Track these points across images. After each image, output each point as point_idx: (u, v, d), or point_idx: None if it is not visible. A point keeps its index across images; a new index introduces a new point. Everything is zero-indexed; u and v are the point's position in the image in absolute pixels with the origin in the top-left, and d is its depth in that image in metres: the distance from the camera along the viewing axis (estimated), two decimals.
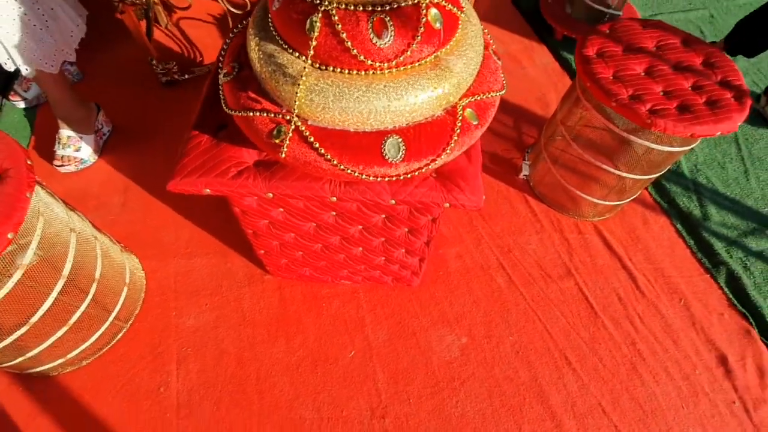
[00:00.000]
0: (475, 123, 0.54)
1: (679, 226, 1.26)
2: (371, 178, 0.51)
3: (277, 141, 0.50)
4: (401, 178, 0.52)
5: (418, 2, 0.44)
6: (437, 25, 0.46)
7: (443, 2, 0.46)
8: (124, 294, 0.99)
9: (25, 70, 1.03)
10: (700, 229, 1.24)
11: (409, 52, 0.46)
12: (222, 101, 0.56)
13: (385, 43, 0.45)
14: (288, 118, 0.50)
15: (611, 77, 0.93)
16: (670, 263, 1.19)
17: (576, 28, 1.69)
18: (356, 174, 0.50)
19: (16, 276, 0.71)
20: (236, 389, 0.96)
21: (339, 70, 0.47)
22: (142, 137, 1.35)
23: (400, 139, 0.50)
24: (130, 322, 1.03)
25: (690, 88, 0.92)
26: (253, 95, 0.52)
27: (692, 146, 0.98)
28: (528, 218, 1.25)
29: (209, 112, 0.66)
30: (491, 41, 0.63)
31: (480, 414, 0.96)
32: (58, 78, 1.13)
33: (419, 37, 0.45)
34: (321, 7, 0.44)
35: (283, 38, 0.49)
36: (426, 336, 1.04)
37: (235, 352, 1.00)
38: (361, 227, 0.78)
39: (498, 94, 0.57)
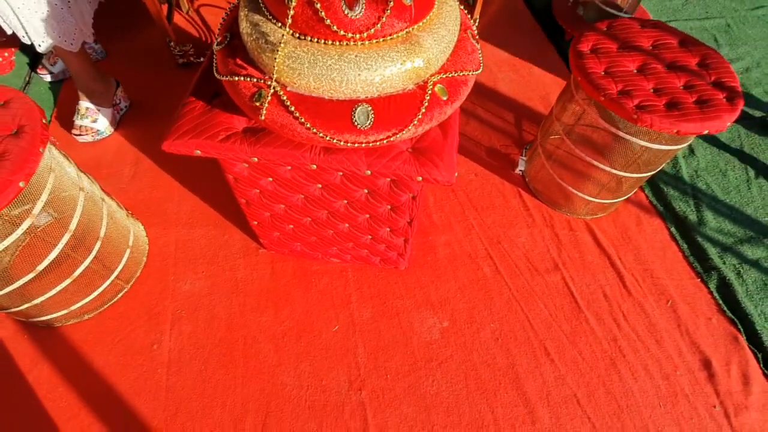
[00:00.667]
0: (445, 98, 0.57)
1: (673, 229, 1.25)
2: (341, 143, 0.55)
3: (257, 104, 0.55)
4: (370, 145, 0.56)
5: None
6: (408, 2, 0.50)
7: None
8: (126, 256, 1.05)
9: (38, 45, 1.10)
10: (695, 234, 1.24)
11: (379, 26, 0.50)
12: (214, 68, 0.61)
13: (357, 15, 0.48)
14: (268, 83, 0.55)
15: (602, 72, 0.95)
16: (661, 265, 1.19)
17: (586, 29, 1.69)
18: (327, 138, 0.54)
19: (26, 223, 0.77)
20: (224, 352, 1.01)
21: (315, 39, 0.51)
22: (155, 114, 1.42)
23: (369, 108, 0.54)
24: (131, 283, 1.09)
25: (681, 87, 0.93)
26: (240, 62, 0.57)
27: (683, 146, 0.98)
28: (520, 212, 1.27)
29: (206, 82, 0.71)
30: (471, 24, 0.66)
31: (454, 395, 0.98)
32: (79, 53, 1.21)
33: (388, 11, 0.49)
34: None
35: (267, 9, 0.53)
36: (408, 317, 1.07)
37: (225, 317, 1.05)
38: (345, 202, 0.82)
39: (472, 73, 0.60)
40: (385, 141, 0.56)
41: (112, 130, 1.37)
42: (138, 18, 1.66)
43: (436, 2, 0.55)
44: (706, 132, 0.87)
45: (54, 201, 0.82)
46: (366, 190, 0.77)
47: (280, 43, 0.51)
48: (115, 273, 1.03)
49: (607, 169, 1.07)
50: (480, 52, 0.65)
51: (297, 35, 0.52)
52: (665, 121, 0.86)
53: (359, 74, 0.51)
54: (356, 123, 0.54)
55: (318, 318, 1.06)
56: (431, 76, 0.56)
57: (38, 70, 1.48)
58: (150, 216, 1.21)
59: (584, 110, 1.03)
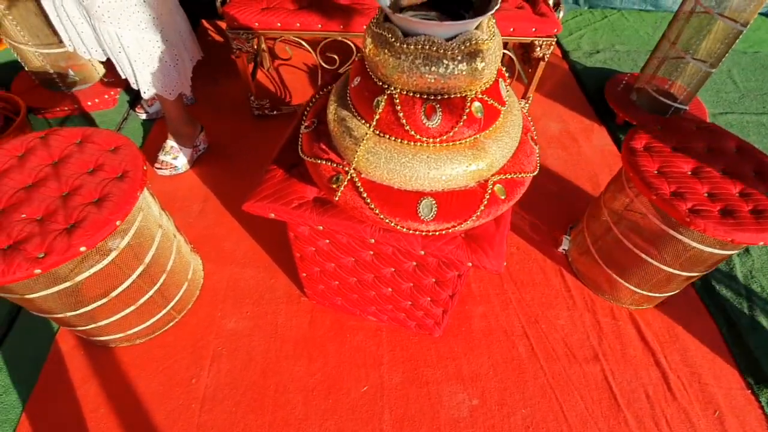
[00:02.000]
0: (503, 198, 0.62)
1: (724, 331, 1.19)
2: (404, 229, 0.61)
3: (334, 186, 0.62)
4: (430, 234, 0.61)
5: (465, 96, 0.55)
6: (479, 115, 0.56)
7: (487, 97, 0.56)
8: (183, 288, 1.14)
9: (143, 92, 1.28)
10: (747, 340, 1.17)
11: (451, 133, 0.56)
12: (299, 147, 0.70)
13: (434, 124, 0.55)
14: (347, 169, 0.62)
15: (655, 171, 0.97)
16: (709, 370, 1.13)
17: (638, 115, 1.73)
18: (392, 224, 0.60)
19: (111, 256, 0.87)
20: (255, 397, 1.04)
21: (393, 138, 0.58)
22: (228, 158, 1.57)
23: (433, 202, 0.60)
24: (182, 314, 1.17)
25: (737, 194, 0.93)
26: (323, 147, 0.65)
27: (736, 251, 0.97)
28: (561, 293, 1.26)
29: (287, 152, 0.80)
30: (531, 127, 0.72)
31: None
32: (175, 101, 1.39)
33: (461, 123, 0.56)
34: (387, 90, 0.56)
35: (355, 107, 0.61)
36: (438, 388, 1.07)
37: (261, 361, 1.10)
38: (393, 270, 0.87)
39: (529, 175, 0.65)
40: (443, 232, 0.61)
41: (188, 167, 1.52)
42: (225, 72, 1.88)
43: (502, 112, 0.61)
44: (761, 243, 0.86)
45: (137, 235, 0.93)
46: (414, 263, 0.82)
47: (362, 138, 0.59)
48: (171, 304, 1.11)
49: (656, 263, 1.06)
50: (538, 153, 0.70)
51: (378, 133, 0.59)
52: (719, 228, 0.86)
53: (428, 172, 0.57)
54: (420, 214, 0.59)
55: (348, 375, 1.08)
56: (492, 176, 0.62)
57: (136, 109, 1.70)
58: (209, 251, 1.31)
59: (634, 203, 1.04)
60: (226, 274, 1.26)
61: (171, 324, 1.15)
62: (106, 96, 1.74)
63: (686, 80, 1.60)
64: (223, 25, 2.10)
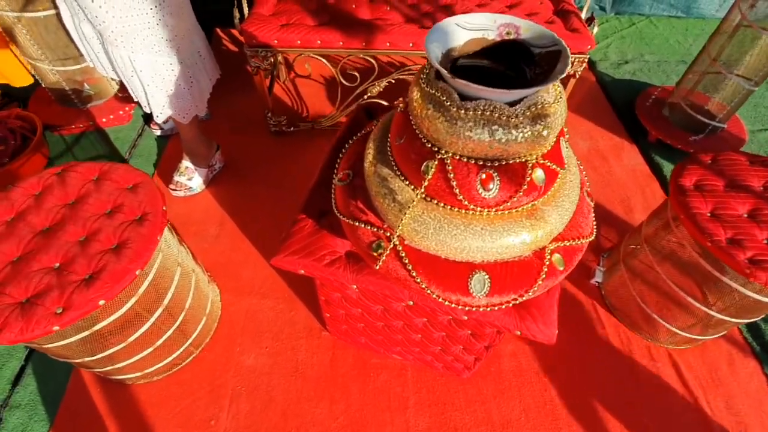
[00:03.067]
0: (561, 269, 0.56)
1: None
2: (453, 305, 0.55)
3: (375, 254, 0.57)
4: (480, 310, 0.56)
5: (525, 161, 0.49)
6: (540, 183, 0.51)
7: (548, 162, 0.50)
8: (202, 323, 1.10)
9: (156, 116, 1.23)
10: None
11: (509, 203, 0.51)
12: (333, 203, 0.64)
13: (490, 195, 0.50)
14: (389, 235, 0.57)
15: (708, 214, 0.90)
16: (756, 418, 1.06)
17: (672, 133, 1.64)
18: (440, 299, 0.55)
19: (131, 302, 0.83)
20: None
21: (443, 205, 0.53)
22: (246, 177, 1.53)
23: (486, 276, 0.54)
24: (200, 348, 1.13)
25: None
26: (361, 206, 0.60)
27: None
28: (594, 329, 1.20)
29: (316, 198, 0.75)
30: (586, 180, 0.65)
31: None
32: (190, 122, 1.34)
33: (521, 192, 0.50)
34: (438, 155, 0.50)
35: (398, 167, 0.56)
36: None
37: (282, 401, 1.05)
38: (426, 320, 0.81)
39: (587, 240, 0.59)
40: (496, 308, 0.55)
41: (204, 188, 1.48)
42: (241, 83, 1.83)
43: (560, 174, 0.55)
44: None
45: (156, 277, 0.89)
46: (450, 317, 0.76)
47: (408, 204, 0.53)
48: (190, 340, 1.07)
49: (704, 308, 1.00)
50: (593, 212, 0.64)
51: (426, 198, 0.54)
52: None
53: (482, 245, 0.52)
54: (472, 290, 0.54)
55: (373, 419, 1.03)
56: (549, 243, 0.56)
57: (151, 125, 1.66)
58: (226, 280, 1.27)
59: (681, 245, 0.97)
60: (245, 305, 1.22)
61: (189, 359, 1.11)
62: (121, 112, 1.70)
63: (726, 98, 1.51)
64: (237, 33, 2.05)
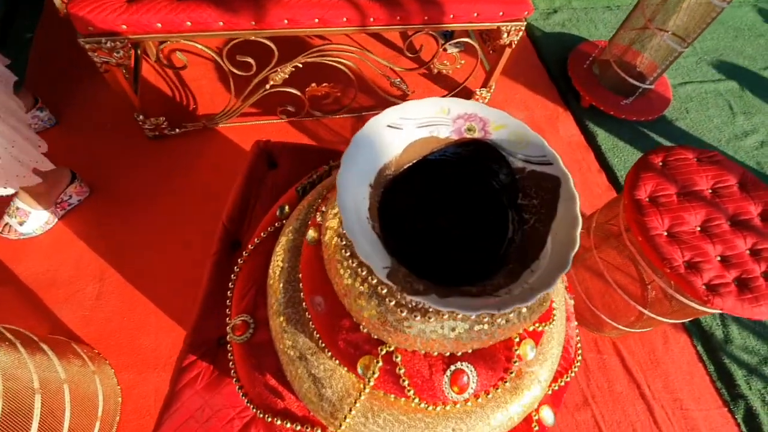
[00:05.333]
0: (551, 423, 0.44)
1: (699, 348, 1.19)
2: None
3: None
4: None
5: (509, 338, 0.33)
6: (531, 355, 0.35)
7: (538, 326, 0.35)
8: (96, 430, 0.86)
9: None
10: (721, 354, 1.19)
11: (490, 396, 0.35)
12: (232, 371, 0.43)
13: (463, 395, 0.33)
14: None
15: (665, 233, 0.83)
16: (689, 393, 1.13)
17: (604, 98, 1.57)
18: None
19: None
20: None
21: (401, 399, 0.35)
22: (123, 203, 1.19)
23: None
24: None
25: (748, 253, 0.83)
26: (273, 383, 0.40)
27: None
28: None
29: (209, 319, 0.53)
30: (570, 306, 0.50)
31: None
32: None
33: (507, 381, 0.34)
34: (382, 350, 0.31)
35: (323, 342, 0.36)
36: None
37: None
38: None
39: (575, 369, 0.47)
40: None
41: (47, 229, 1.12)
42: (97, 79, 1.38)
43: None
44: None
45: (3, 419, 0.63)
46: None
47: (344, 403, 0.35)
48: None
49: (649, 314, 0.98)
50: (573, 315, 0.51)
51: (374, 391, 0.35)
52: (738, 304, 0.77)
53: None
54: None
55: None
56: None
57: None
58: (121, 354, 1.01)
59: (632, 260, 0.92)
60: (152, 385, 0.99)
61: None
62: None
63: (659, 59, 1.44)
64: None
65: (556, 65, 1.69)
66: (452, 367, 0.32)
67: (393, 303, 0.27)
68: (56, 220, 1.14)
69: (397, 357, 0.32)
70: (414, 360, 0.32)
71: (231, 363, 0.44)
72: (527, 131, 0.31)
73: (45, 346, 0.80)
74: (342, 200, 0.25)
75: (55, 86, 1.34)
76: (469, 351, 0.32)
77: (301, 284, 0.36)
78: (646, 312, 0.99)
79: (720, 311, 0.77)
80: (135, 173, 1.23)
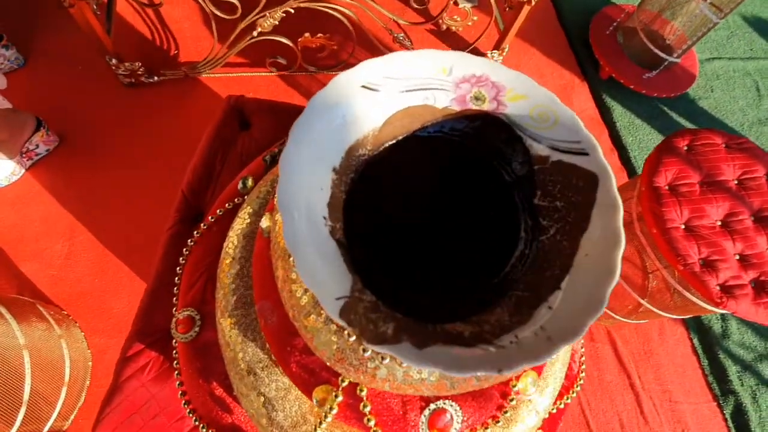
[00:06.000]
0: None
1: (696, 341, 1.15)
2: None
3: None
4: None
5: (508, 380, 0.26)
6: (531, 390, 0.28)
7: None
8: (62, 398, 0.82)
9: None
10: (717, 348, 1.15)
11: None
12: (178, 383, 0.36)
13: None
14: None
15: (683, 227, 0.76)
16: (680, 386, 1.11)
17: (625, 69, 1.44)
18: None
19: None
20: None
21: None
22: (95, 156, 1.10)
23: None
24: (71, 419, 0.88)
25: None
26: (219, 394, 0.33)
27: None
28: None
29: (160, 304, 0.46)
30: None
31: None
32: None
33: (500, 422, 0.27)
34: (342, 380, 0.25)
35: (276, 358, 0.29)
36: None
37: None
38: None
39: (576, 390, 0.40)
40: None
41: (13, 181, 1.04)
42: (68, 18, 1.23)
43: None
44: None
45: None
46: None
47: (296, 426, 0.29)
48: (50, 421, 0.81)
49: (651, 308, 0.92)
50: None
51: (332, 423, 0.29)
52: (752, 308, 0.71)
53: None
54: None
55: None
56: None
57: None
58: (91, 318, 0.96)
59: (641, 248, 0.85)
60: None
61: None
62: None
63: (690, 29, 1.30)
64: None
65: (577, 30, 1.54)
66: (432, 406, 0.26)
67: (354, 338, 0.20)
68: (23, 171, 1.05)
69: (361, 391, 0.25)
70: (384, 394, 0.25)
71: (175, 362, 0.37)
72: (557, 105, 0.23)
73: (2, 309, 0.74)
74: (285, 192, 0.17)
75: (25, 22, 1.20)
76: (454, 392, 0.25)
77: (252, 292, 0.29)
78: (644, 303, 0.93)
79: (731, 313, 0.71)
80: (109, 124, 1.13)
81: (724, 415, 1.09)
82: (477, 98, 0.22)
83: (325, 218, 0.19)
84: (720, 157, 0.82)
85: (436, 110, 0.23)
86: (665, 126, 1.45)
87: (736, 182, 0.81)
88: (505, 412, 0.27)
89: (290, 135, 0.19)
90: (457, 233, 0.25)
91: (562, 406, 0.40)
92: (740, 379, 1.12)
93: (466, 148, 0.24)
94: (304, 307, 0.22)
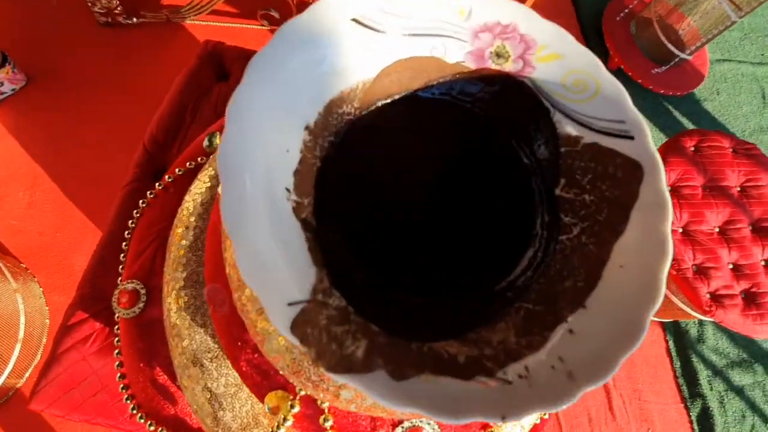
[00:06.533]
0: None
1: (671, 343, 1.16)
2: None
3: None
4: None
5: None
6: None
7: None
8: (15, 355, 0.77)
9: None
10: (690, 352, 1.16)
11: None
12: (117, 364, 0.31)
13: None
14: None
15: (681, 230, 0.73)
16: (650, 386, 1.12)
17: (635, 61, 1.39)
18: None
19: None
20: None
21: None
22: (64, 99, 1.01)
23: None
24: (26, 375, 0.83)
25: (763, 264, 0.74)
26: (162, 381, 0.29)
27: None
28: None
29: (110, 270, 0.40)
30: None
31: None
32: None
33: None
34: (299, 390, 0.20)
35: (225, 351, 0.25)
36: None
37: None
38: None
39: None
40: None
41: None
42: None
43: None
44: None
45: None
46: None
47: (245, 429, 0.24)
48: (1, 378, 0.76)
49: None
50: None
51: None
52: (740, 319, 0.69)
53: None
54: None
55: None
56: None
57: None
58: (51, 273, 0.90)
59: None
60: None
61: (11, 395, 0.82)
62: None
63: (705, 26, 1.24)
64: None
65: (590, 15, 1.47)
66: (406, 423, 0.22)
67: (331, 374, 0.16)
68: None
69: (323, 402, 0.21)
70: (347, 419, 0.21)
71: (117, 339, 0.33)
72: (600, 73, 0.18)
73: None
74: (232, 149, 0.12)
75: None
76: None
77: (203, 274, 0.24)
78: None
79: (718, 322, 0.70)
80: (81, 64, 1.04)
81: (690, 417, 1.11)
82: (499, 55, 0.17)
83: (288, 190, 0.15)
84: (726, 162, 0.79)
85: (446, 65, 0.18)
86: (667, 125, 1.42)
87: (738, 189, 0.78)
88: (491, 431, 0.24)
89: (247, 71, 0.14)
90: (457, 223, 0.20)
91: (546, 416, 0.37)
92: (710, 384, 1.14)
93: (478, 119, 0.19)
94: (256, 300, 0.17)
